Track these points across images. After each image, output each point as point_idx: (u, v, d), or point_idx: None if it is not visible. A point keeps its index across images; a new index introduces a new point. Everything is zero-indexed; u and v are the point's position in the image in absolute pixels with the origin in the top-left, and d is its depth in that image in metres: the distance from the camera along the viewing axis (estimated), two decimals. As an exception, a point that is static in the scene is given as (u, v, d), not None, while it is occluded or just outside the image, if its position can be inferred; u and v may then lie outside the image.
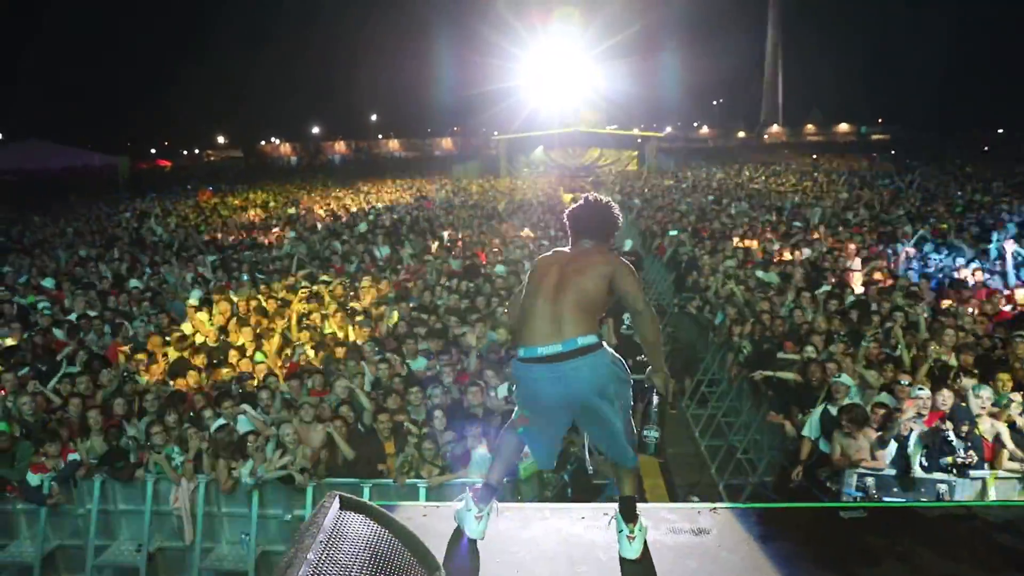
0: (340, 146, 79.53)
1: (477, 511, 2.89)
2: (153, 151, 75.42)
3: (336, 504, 2.09)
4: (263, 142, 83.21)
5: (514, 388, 3.22)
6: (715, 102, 76.55)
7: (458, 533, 2.89)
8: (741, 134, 68.91)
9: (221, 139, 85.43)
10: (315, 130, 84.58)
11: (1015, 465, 5.73)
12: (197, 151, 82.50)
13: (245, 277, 11.52)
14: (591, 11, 44.83)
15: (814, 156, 40.65)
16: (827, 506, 3.00)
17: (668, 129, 70.70)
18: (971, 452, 5.65)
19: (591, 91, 45.19)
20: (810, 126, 71.50)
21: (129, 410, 6.66)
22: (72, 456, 6.35)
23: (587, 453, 3.35)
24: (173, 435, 6.33)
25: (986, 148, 43.16)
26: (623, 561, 2.76)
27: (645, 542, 2.83)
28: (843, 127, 71.32)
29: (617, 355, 3.01)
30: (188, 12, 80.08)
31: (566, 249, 3.26)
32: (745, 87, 67.51)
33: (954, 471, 5.65)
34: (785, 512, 2.89)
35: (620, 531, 2.83)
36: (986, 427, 5.80)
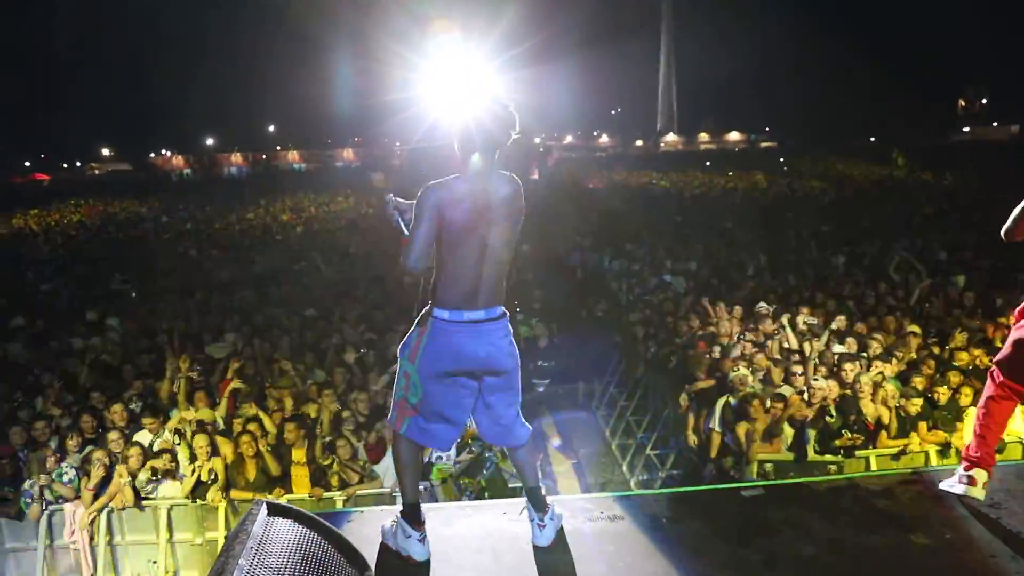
0: (237, 158, 76.92)
1: (419, 535, 2.79)
2: (28, 164, 70.56)
3: (263, 511, 2.10)
4: (153, 155, 79.41)
5: (414, 355, 2.76)
6: (613, 111, 78.89)
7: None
8: (639, 142, 71.27)
9: (106, 151, 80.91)
10: (209, 142, 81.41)
11: (891, 443, 6.32)
12: (79, 164, 77.77)
13: None
14: (492, 22, 45.33)
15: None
16: (729, 487, 3.24)
17: (569, 138, 72.43)
18: (856, 435, 6.26)
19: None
20: (704, 135, 74.80)
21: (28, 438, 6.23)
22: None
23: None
24: (71, 460, 5.99)
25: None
26: (536, 549, 2.80)
27: (561, 529, 2.88)
28: (734, 135, 75.05)
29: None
30: (70, 18, 75.26)
31: (470, 181, 2.72)
32: (642, 97, 69.96)
33: (842, 452, 6.23)
34: (692, 495, 3.11)
35: (532, 520, 2.87)
36: (870, 411, 6.35)
